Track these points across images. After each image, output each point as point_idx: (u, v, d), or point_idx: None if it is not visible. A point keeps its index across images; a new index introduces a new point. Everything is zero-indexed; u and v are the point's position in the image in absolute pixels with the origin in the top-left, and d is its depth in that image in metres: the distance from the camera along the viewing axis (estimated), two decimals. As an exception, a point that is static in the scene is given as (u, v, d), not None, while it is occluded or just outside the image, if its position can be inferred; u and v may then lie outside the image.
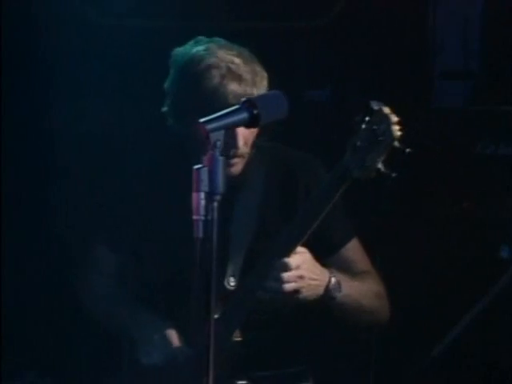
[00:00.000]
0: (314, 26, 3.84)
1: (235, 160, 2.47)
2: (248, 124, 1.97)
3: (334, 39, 3.80)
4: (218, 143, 1.89)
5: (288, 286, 2.35)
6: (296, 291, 2.37)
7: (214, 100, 2.37)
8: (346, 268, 2.53)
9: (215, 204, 1.87)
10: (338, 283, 2.43)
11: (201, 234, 1.85)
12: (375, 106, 2.24)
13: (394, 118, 2.23)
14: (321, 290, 2.41)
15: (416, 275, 3.57)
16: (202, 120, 1.89)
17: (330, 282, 2.43)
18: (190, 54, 2.48)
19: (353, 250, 2.59)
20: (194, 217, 1.85)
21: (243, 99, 1.98)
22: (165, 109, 2.55)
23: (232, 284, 2.44)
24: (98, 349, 3.22)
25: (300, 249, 2.38)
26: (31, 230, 3.63)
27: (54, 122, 3.67)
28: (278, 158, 2.62)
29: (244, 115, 1.96)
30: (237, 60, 2.44)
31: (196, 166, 1.87)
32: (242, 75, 2.41)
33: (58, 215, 3.60)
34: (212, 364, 1.78)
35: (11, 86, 3.58)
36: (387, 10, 3.75)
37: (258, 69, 2.47)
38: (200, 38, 2.56)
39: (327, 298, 2.43)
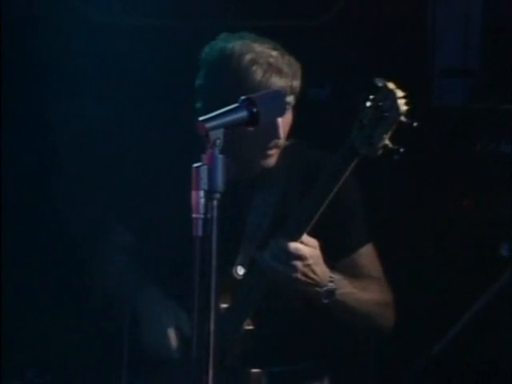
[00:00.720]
0: (314, 25, 3.84)
1: (273, 151, 2.47)
2: (247, 123, 1.97)
3: (334, 38, 3.80)
4: (218, 141, 1.89)
5: (279, 268, 2.34)
6: (285, 278, 2.36)
7: None
8: (354, 273, 2.52)
9: (215, 202, 1.87)
10: (332, 292, 2.42)
11: (200, 233, 1.85)
12: (379, 82, 2.24)
13: (400, 93, 2.24)
14: (312, 290, 2.41)
15: (416, 274, 3.58)
16: (201, 118, 1.89)
17: (324, 287, 2.42)
18: (226, 50, 2.47)
19: (365, 256, 2.58)
20: (194, 215, 1.86)
21: (243, 98, 1.98)
22: (198, 105, 2.53)
23: (240, 273, 2.44)
24: (98, 347, 3.22)
25: (312, 241, 2.37)
26: (31, 227, 3.64)
27: (55, 120, 3.67)
28: (299, 155, 2.62)
29: (243, 113, 1.96)
30: (274, 53, 2.45)
31: (195, 164, 1.87)
32: (282, 68, 2.42)
33: (65, 206, 3.60)
34: (212, 359, 1.78)
35: (10, 84, 3.58)
36: (387, 9, 3.75)
37: (292, 60, 2.48)
38: (226, 34, 2.55)
39: (317, 300, 2.42)
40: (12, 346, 3.51)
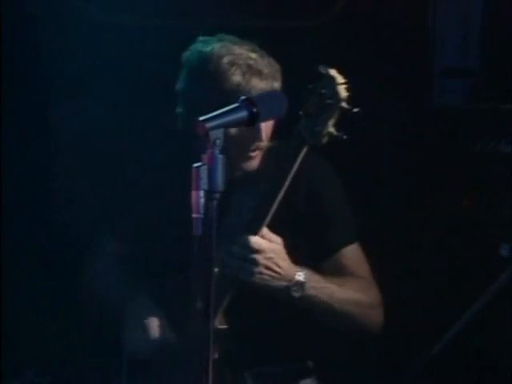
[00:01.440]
0: (315, 25, 3.84)
1: (256, 153, 2.46)
2: (247, 123, 1.97)
3: (335, 38, 3.79)
4: (218, 141, 1.89)
5: (258, 269, 2.32)
6: (246, 274, 2.33)
7: (238, 98, 2.37)
8: (338, 274, 2.50)
9: (214, 202, 1.87)
10: (301, 285, 2.39)
11: (200, 232, 1.85)
12: (322, 69, 2.25)
13: (340, 80, 2.23)
14: (277, 285, 2.37)
15: (415, 274, 3.57)
16: (201, 118, 1.89)
17: (291, 280, 2.38)
18: (205, 53, 2.46)
19: (349, 256, 2.54)
20: (193, 215, 1.86)
21: (242, 98, 1.98)
22: (179, 110, 2.53)
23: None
24: (97, 347, 3.22)
25: (274, 237, 2.36)
26: (31, 227, 3.63)
27: (55, 120, 3.66)
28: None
29: (243, 113, 1.97)
30: (254, 55, 2.43)
31: (195, 164, 1.87)
32: (261, 70, 2.40)
33: (64, 207, 3.59)
34: (211, 360, 1.79)
35: (10, 85, 3.57)
36: (387, 9, 3.75)
37: (272, 61, 2.47)
38: (204, 37, 2.54)
39: (285, 295, 2.39)
40: (12, 346, 3.51)
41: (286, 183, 2.31)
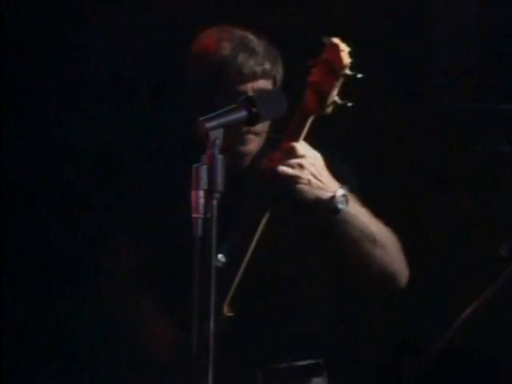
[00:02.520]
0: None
1: (250, 136, 2.41)
2: (247, 122, 1.97)
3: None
4: (217, 141, 1.89)
5: (284, 169, 2.24)
6: (293, 182, 2.26)
7: (226, 73, 2.33)
8: None
9: (214, 202, 1.87)
10: (346, 197, 2.28)
11: (199, 233, 1.85)
12: (325, 40, 2.23)
13: (343, 46, 2.22)
14: (324, 195, 2.26)
15: (415, 274, 3.57)
16: (201, 118, 1.90)
17: (337, 191, 2.28)
18: (200, 36, 2.45)
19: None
20: (193, 215, 1.86)
21: (242, 97, 1.98)
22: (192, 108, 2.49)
23: (222, 261, 2.36)
24: (98, 348, 3.22)
25: (304, 146, 2.27)
26: (31, 229, 3.63)
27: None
28: None
29: (243, 113, 1.97)
30: (251, 36, 2.41)
31: (195, 164, 1.87)
32: (254, 48, 2.36)
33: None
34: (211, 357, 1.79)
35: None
36: (387, 9, 3.75)
37: (272, 48, 2.43)
38: None
39: (330, 208, 2.26)
40: (12, 347, 3.51)
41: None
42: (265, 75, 2.39)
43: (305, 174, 2.25)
